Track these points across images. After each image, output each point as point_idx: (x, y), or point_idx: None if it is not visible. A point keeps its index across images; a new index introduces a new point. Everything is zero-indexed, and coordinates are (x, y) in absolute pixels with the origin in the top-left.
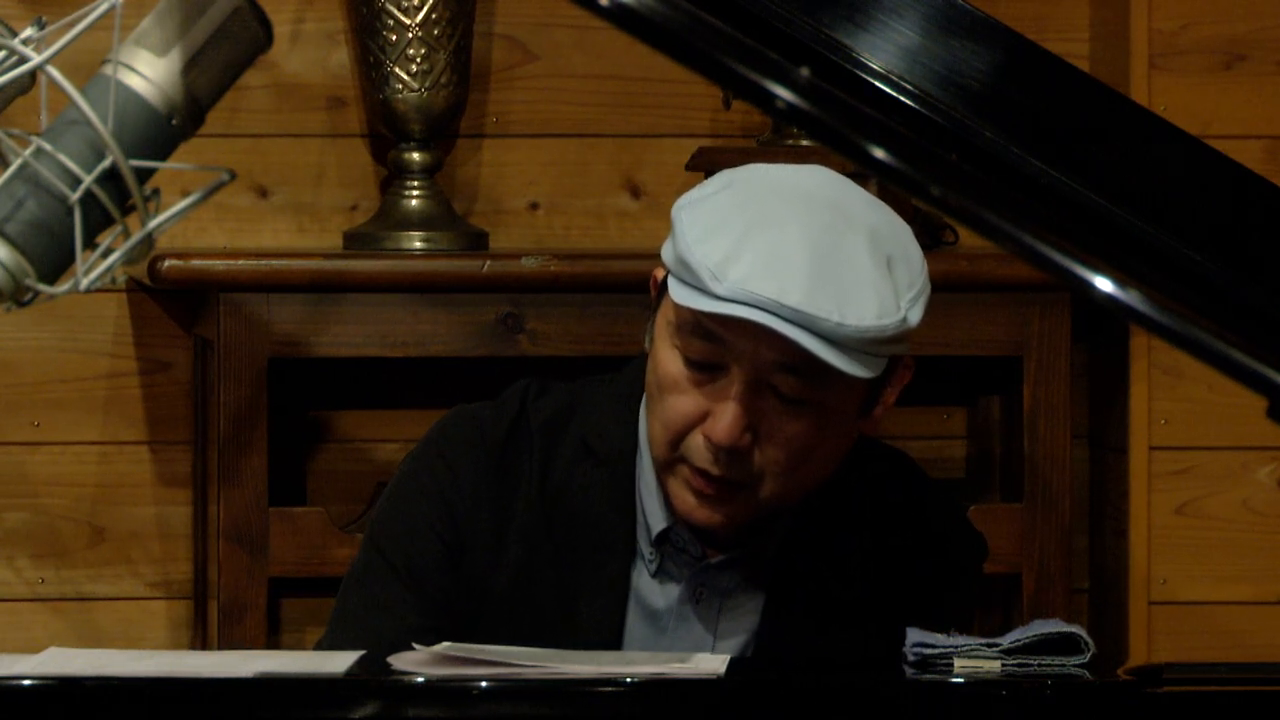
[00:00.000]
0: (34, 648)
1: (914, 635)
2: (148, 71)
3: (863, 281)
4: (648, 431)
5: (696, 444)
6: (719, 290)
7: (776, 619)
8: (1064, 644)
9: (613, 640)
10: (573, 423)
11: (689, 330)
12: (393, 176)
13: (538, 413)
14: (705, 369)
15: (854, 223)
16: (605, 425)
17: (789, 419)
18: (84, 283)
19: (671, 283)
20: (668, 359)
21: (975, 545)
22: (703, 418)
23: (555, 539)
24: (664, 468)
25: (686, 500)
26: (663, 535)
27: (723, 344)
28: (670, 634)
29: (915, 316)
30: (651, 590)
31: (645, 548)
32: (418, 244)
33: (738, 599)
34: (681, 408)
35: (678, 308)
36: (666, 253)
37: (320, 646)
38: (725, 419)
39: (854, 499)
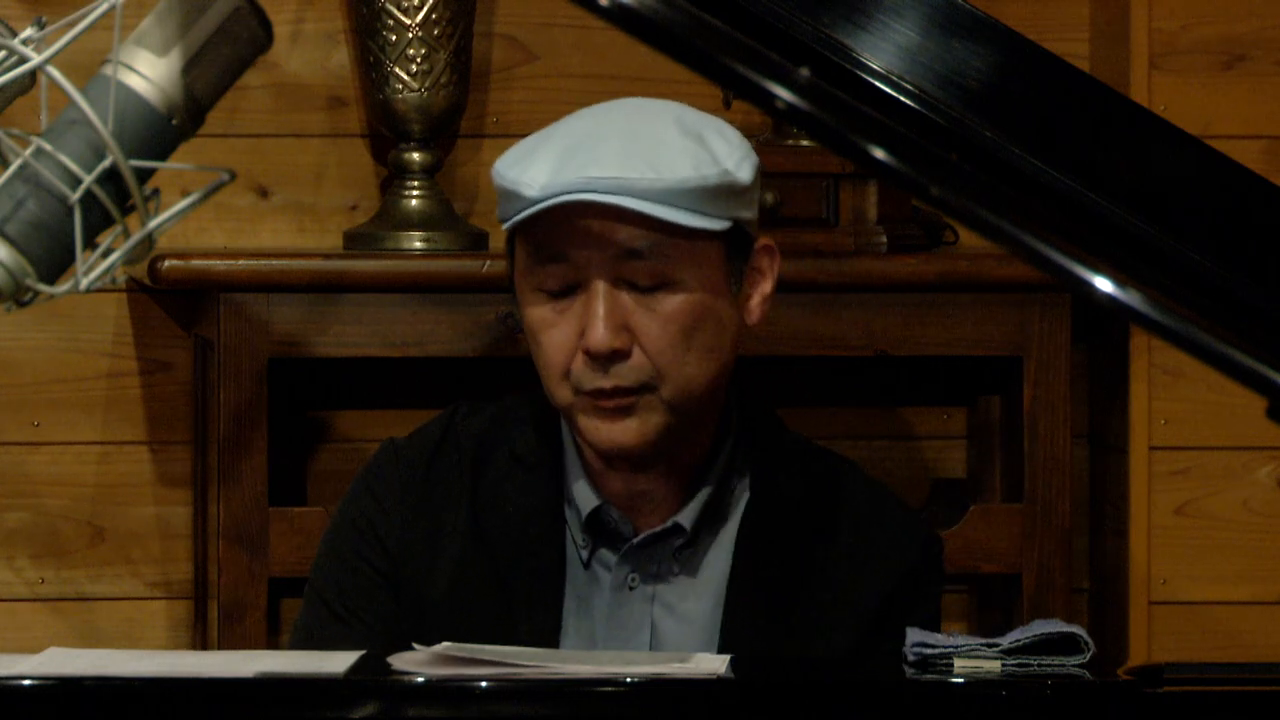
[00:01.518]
0: (34, 648)
1: (914, 635)
2: (148, 71)
3: (673, 147)
4: (545, 390)
5: (582, 368)
6: (535, 192)
7: (733, 620)
8: (1064, 644)
9: (552, 639)
10: (502, 436)
11: (535, 261)
12: (393, 176)
13: (468, 428)
14: (564, 294)
15: (659, 112)
16: (530, 431)
17: (657, 304)
18: (84, 283)
19: (504, 228)
20: (531, 306)
21: (926, 540)
22: (578, 341)
23: (488, 548)
24: (568, 411)
25: (598, 429)
26: (594, 517)
27: (567, 258)
28: (608, 624)
29: (745, 174)
30: (588, 583)
31: (578, 536)
32: (418, 244)
33: (672, 588)
34: (557, 340)
35: (520, 245)
36: (497, 212)
37: None
38: (595, 324)
39: (792, 488)
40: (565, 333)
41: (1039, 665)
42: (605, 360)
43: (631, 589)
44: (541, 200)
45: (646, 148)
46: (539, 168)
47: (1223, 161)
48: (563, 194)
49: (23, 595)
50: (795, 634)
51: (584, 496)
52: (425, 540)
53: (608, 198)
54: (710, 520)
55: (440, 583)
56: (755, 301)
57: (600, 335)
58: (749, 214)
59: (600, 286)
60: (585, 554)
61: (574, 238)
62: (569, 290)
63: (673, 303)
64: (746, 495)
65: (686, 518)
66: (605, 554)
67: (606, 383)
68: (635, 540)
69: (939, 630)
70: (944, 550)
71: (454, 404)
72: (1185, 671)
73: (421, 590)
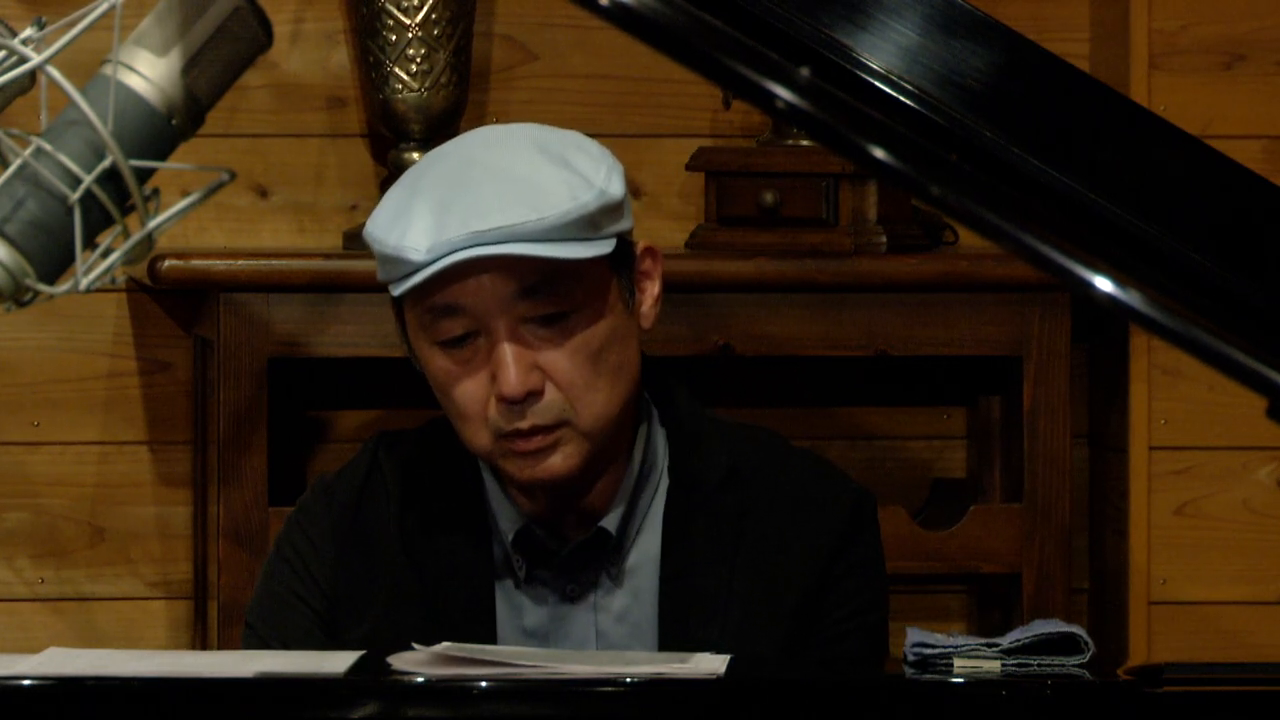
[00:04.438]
0: (34, 648)
1: (914, 635)
2: (148, 71)
3: (545, 179)
4: (462, 440)
5: (497, 413)
6: (422, 256)
7: (669, 615)
8: (1064, 644)
9: None
10: (423, 467)
11: (430, 318)
12: (393, 176)
13: (390, 462)
14: (464, 343)
15: (514, 140)
16: (450, 458)
17: (561, 337)
18: (84, 283)
19: (391, 290)
20: (433, 360)
21: (857, 497)
22: (490, 387)
23: (420, 578)
24: (490, 457)
25: (522, 468)
26: (520, 537)
27: (462, 309)
28: (553, 639)
29: (616, 188)
30: (525, 604)
31: (511, 558)
32: None
33: (611, 593)
34: (468, 390)
35: (409, 306)
36: (379, 275)
37: None
38: (505, 371)
39: (709, 471)
40: (475, 382)
41: (1039, 665)
42: (520, 403)
43: (573, 601)
44: (430, 263)
45: (521, 187)
46: (418, 228)
47: (1223, 161)
48: (450, 253)
49: (23, 595)
50: (734, 618)
51: (508, 519)
52: (359, 576)
53: (496, 249)
54: (635, 519)
55: (375, 617)
56: (648, 306)
57: (513, 381)
58: (627, 225)
59: (502, 332)
60: (520, 574)
61: (467, 290)
62: (468, 338)
63: (578, 333)
64: (666, 484)
65: (610, 522)
66: (540, 571)
67: (524, 423)
68: (564, 554)
69: (886, 586)
70: (876, 506)
71: (375, 437)
72: (1185, 671)
73: (357, 626)
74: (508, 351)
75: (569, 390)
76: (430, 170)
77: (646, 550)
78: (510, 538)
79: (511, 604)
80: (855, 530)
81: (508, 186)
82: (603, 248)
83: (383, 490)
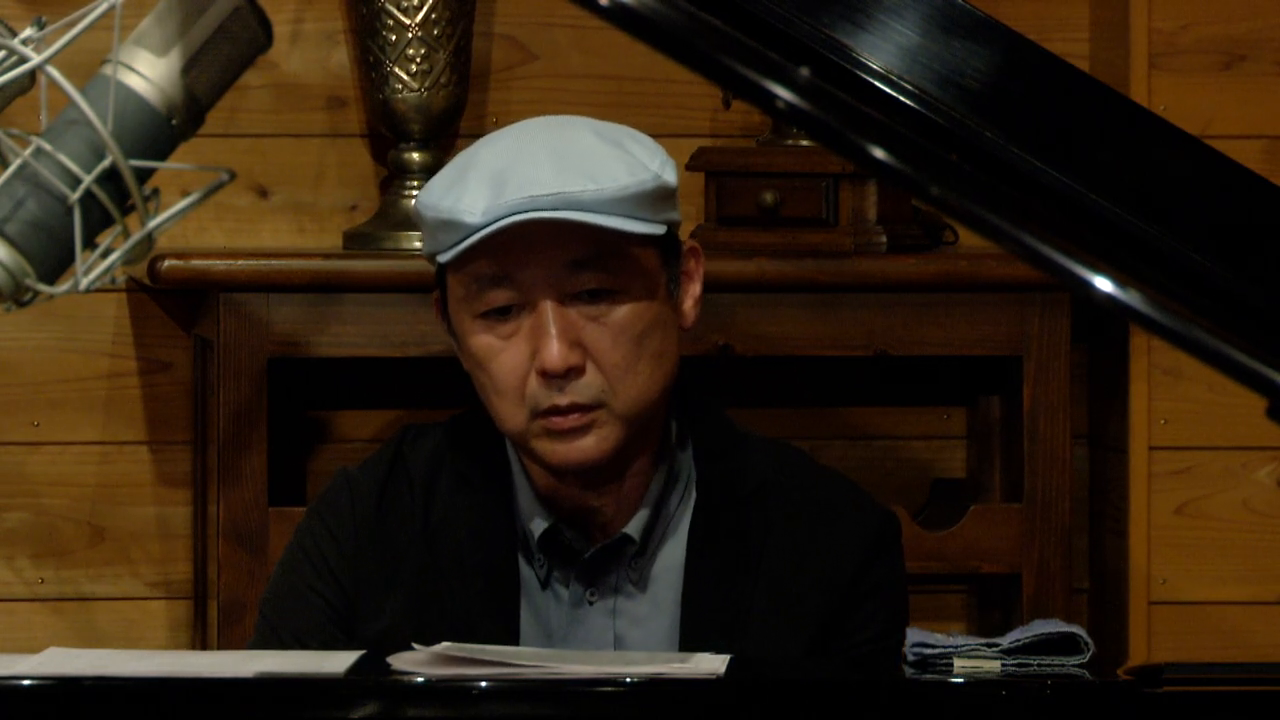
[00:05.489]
0: (34, 648)
1: (914, 635)
2: (148, 71)
3: (603, 156)
4: (495, 419)
5: (537, 388)
6: (478, 219)
7: (691, 627)
8: (1064, 644)
9: None
10: (449, 458)
11: (477, 288)
12: (393, 176)
13: (416, 454)
14: (507, 315)
15: (572, 125)
16: (477, 452)
17: (604, 315)
18: (84, 283)
19: (441, 260)
20: (475, 336)
21: (883, 519)
22: (530, 363)
23: (442, 573)
24: (523, 437)
25: (555, 449)
26: (548, 538)
27: (510, 278)
28: (570, 642)
29: (671, 176)
30: (546, 603)
31: (532, 557)
32: (417, 244)
33: (631, 599)
34: (508, 364)
35: (454, 275)
36: (425, 247)
37: None
38: (549, 343)
39: (738, 485)
40: (515, 356)
41: (1039, 665)
42: (561, 378)
43: (591, 604)
44: (486, 225)
45: (578, 160)
46: (475, 194)
47: (1223, 161)
48: (506, 216)
49: (23, 595)
50: (754, 633)
51: (535, 518)
52: (379, 571)
53: (553, 214)
54: (659, 526)
55: (396, 612)
56: (689, 305)
57: (555, 354)
58: (678, 216)
59: (549, 305)
60: (541, 574)
61: (517, 259)
62: (512, 313)
63: (620, 313)
64: (693, 497)
65: (634, 528)
66: (560, 572)
67: (563, 399)
68: (587, 555)
69: (907, 607)
70: (901, 528)
71: (402, 429)
72: (1185, 671)
73: (377, 620)
74: (553, 324)
75: (609, 371)
76: (485, 148)
77: (669, 558)
78: (536, 537)
79: (532, 603)
80: (880, 551)
81: (564, 159)
82: (655, 228)
83: (406, 483)
